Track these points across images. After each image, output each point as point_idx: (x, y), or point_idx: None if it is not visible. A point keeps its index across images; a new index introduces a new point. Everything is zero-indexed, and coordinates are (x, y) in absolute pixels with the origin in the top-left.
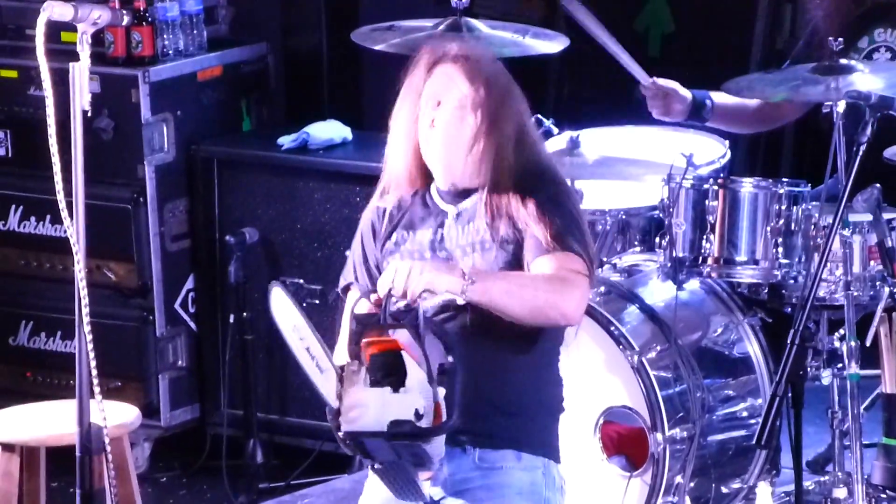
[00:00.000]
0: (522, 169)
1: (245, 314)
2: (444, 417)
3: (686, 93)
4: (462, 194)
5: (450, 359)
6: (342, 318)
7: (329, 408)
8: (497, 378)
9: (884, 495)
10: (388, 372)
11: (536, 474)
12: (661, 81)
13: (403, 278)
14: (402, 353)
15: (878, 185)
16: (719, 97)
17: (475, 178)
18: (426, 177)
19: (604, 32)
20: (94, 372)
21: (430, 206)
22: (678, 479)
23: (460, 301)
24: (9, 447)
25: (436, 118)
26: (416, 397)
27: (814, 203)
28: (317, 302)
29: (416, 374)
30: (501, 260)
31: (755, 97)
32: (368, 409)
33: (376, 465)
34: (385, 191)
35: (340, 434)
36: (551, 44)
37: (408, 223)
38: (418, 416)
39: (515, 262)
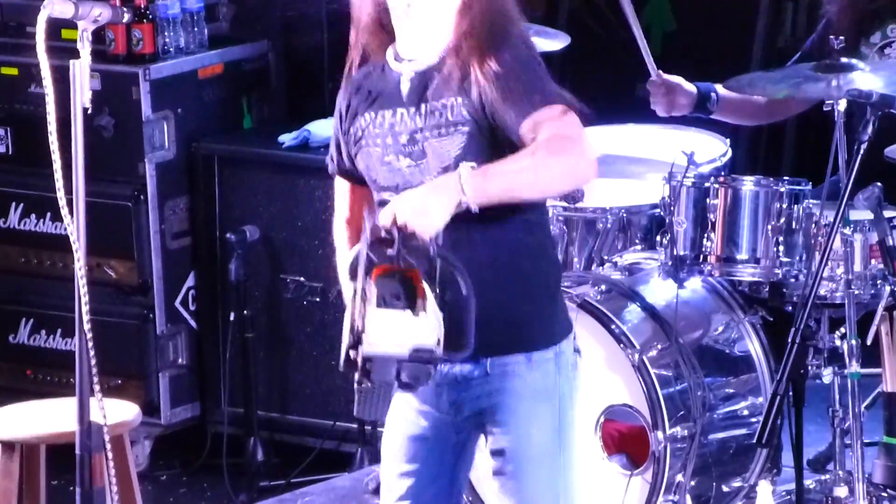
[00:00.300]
0: (489, 23)
1: (246, 312)
2: (460, 346)
3: (690, 86)
4: (421, 61)
5: (463, 290)
6: (336, 201)
7: (346, 330)
8: (494, 287)
9: (885, 494)
10: (407, 295)
11: (549, 368)
12: (667, 76)
13: (400, 220)
14: (415, 278)
15: (879, 183)
16: (725, 90)
17: (434, 37)
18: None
19: (635, 21)
20: (95, 370)
21: (390, 74)
22: (679, 477)
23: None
24: (9, 445)
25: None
26: (435, 322)
27: (815, 201)
28: (317, 300)
29: (432, 298)
30: (457, 146)
31: (756, 94)
32: (390, 332)
33: (365, 384)
34: (350, 66)
35: (357, 356)
36: (553, 42)
37: (369, 103)
38: (438, 342)
39: (472, 145)
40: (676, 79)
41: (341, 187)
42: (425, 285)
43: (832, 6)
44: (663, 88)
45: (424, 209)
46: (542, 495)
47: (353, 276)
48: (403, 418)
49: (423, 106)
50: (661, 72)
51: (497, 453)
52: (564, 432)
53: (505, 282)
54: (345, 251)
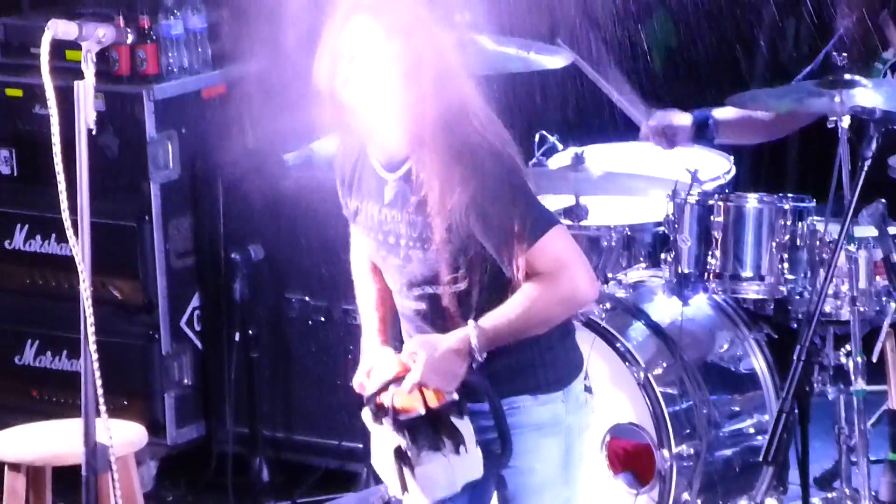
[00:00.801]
0: (450, 141)
1: (250, 331)
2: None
3: (685, 119)
4: (398, 163)
5: (493, 405)
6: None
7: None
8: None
9: None
10: (448, 435)
11: (556, 406)
12: (655, 119)
13: (426, 386)
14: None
15: (882, 200)
16: (722, 112)
17: (403, 144)
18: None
19: (607, 81)
20: (100, 391)
21: (373, 170)
22: (685, 495)
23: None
24: (15, 466)
25: (349, 76)
26: (477, 454)
27: (819, 218)
28: (322, 319)
29: (467, 429)
30: (440, 260)
31: (759, 109)
32: (438, 479)
33: None
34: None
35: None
36: (555, 59)
37: (359, 189)
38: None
39: (456, 259)
40: (669, 115)
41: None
42: (456, 419)
43: (845, 21)
44: (658, 130)
45: (445, 376)
46: None
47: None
48: None
49: (406, 216)
50: (651, 111)
51: (501, 485)
52: (570, 467)
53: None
54: (361, 286)
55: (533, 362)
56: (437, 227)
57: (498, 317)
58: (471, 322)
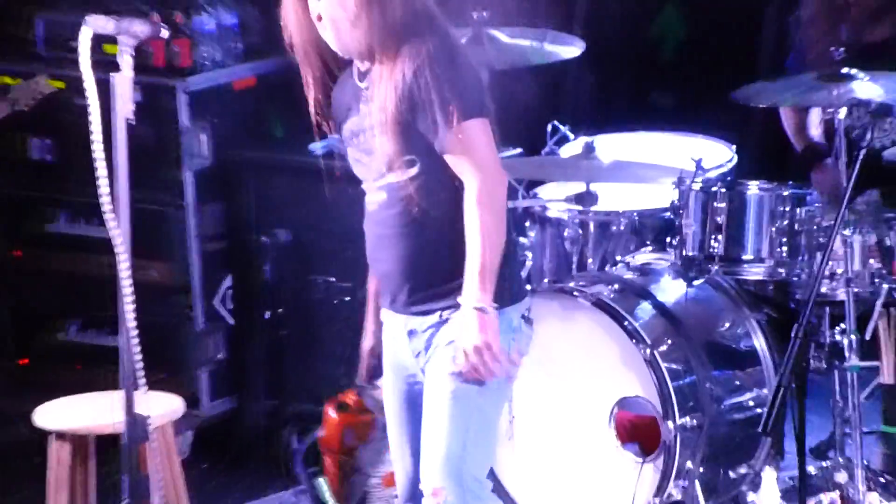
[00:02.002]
0: (404, 26)
1: (279, 310)
2: None
3: None
4: (365, 72)
5: None
6: None
7: None
8: (432, 256)
9: (882, 480)
10: None
11: None
12: None
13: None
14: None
15: (877, 188)
16: None
17: (369, 49)
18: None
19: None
20: (139, 365)
21: (354, 87)
22: (689, 464)
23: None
24: (60, 436)
25: (318, 8)
26: None
27: (817, 204)
28: (347, 299)
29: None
30: (391, 147)
31: (762, 103)
32: None
33: None
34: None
35: None
36: (569, 48)
37: (349, 109)
38: None
39: (407, 139)
40: None
41: None
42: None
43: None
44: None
45: (484, 347)
46: (454, 425)
47: None
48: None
49: (371, 108)
50: None
51: (426, 384)
52: (490, 382)
53: (446, 255)
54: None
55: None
56: (389, 102)
57: (473, 273)
58: (463, 303)
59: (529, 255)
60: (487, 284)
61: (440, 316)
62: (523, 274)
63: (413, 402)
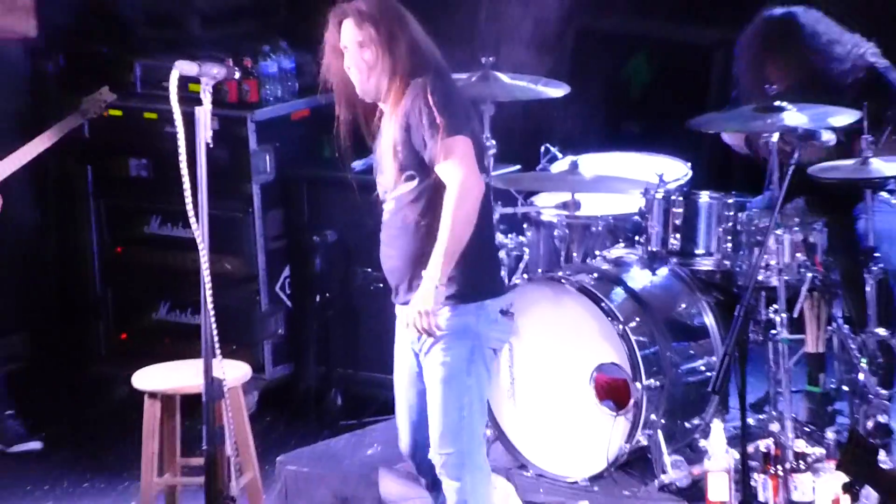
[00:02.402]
0: (413, 70)
1: (327, 295)
2: None
3: None
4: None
5: None
6: None
7: None
8: (423, 260)
9: (807, 429)
10: None
11: (468, 318)
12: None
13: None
14: None
15: (803, 196)
16: None
17: (391, 89)
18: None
19: None
20: (216, 338)
21: (380, 120)
22: (653, 417)
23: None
24: (153, 395)
25: (347, 62)
26: None
27: (754, 209)
28: (381, 286)
29: None
30: (395, 166)
31: (711, 130)
32: None
33: None
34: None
35: None
36: (557, 90)
37: (376, 134)
38: None
39: (408, 159)
40: None
41: None
42: None
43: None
44: None
45: (425, 313)
46: (448, 403)
47: None
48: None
49: (386, 134)
50: None
51: (425, 370)
52: (475, 364)
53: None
54: None
55: (452, 280)
56: (395, 130)
57: (437, 258)
58: (424, 276)
59: (527, 250)
60: (445, 267)
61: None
62: (520, 266)
63: (413, 380)
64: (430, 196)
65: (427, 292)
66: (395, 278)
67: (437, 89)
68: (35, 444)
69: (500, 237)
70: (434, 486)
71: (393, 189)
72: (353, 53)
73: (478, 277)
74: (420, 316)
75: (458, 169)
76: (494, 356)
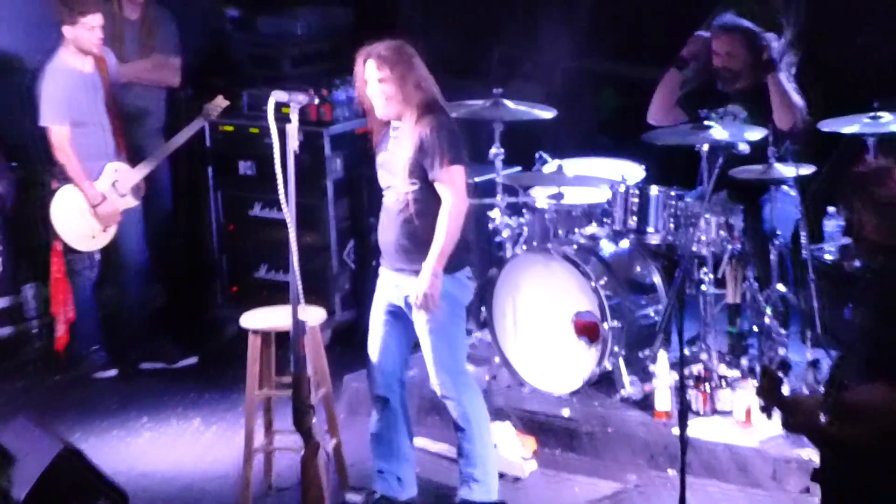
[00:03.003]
0: (421, 102)
1: (378, 260)
2: None
3: None
4: (398, 126)
5: None
6: None
7: None
8: (416, 241)
9: (727, 358)
10: None
11: (447, 283)
12: None
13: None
14: None
15: (725, 190)
16: None
17: (403, 116)
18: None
19: None
20: (301, 291)
21: (387, 133)
22: (616, 348)
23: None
24: (255, 332)
25: (370, 91)
26: None
27: (690, 199)
28: None
29: None
30: (404, 172)
31: (658, 142)
32: None
33: None
34: (375, 131)
35: None
36: (548, 112)
37: (383, 144)
38: None
39: (416, 170)
40: None
41: None
42: None
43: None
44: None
45: (430, 294)
46: (439, 346)
47: None
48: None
49: (397, 146)
50: None
51: (416, 323)
52: (454, 316)
53: (424, 241)
54: None
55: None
56: (408, 153)
57: (434, 250)
58: (425, 267)
59: (525, 229)
60: (442, 260)
61: (413, 278)
62: (521, 240)
63: (392, 324)
64: (425, 196)
65: (430, 278)
66: (388, 251)
67: (444, 127)
68: (191, 360)
69: (505, 219)
70: (385, 404)
71: (400, 186)
72: (374, 86)
73: (452, 258)
74: (426, 297)
75: (455, 191)
76: (464, 307)
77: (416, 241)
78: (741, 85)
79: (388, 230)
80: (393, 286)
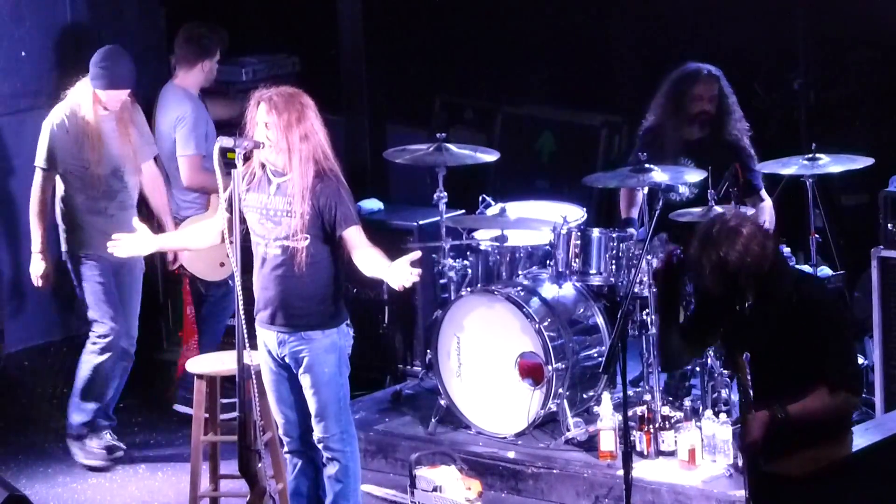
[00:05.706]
0: (315, 162)
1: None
2: None
3: None
4: (281, 174)
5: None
6: None
7: None
8: (304, 296)
9: (670, 399)
10: None
11: (334, 336)
12: None
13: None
14: None
15: (665, 233)
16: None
17: (286, 166)
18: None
19: None
20: (246, 336)
21: (266, 178)
22: (560, 390)
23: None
24: (200, 377)
25: (257, 137)
26: None
27: (630, 241)
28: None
29: None
30: (297, 225)
31: (599, 185)
32: None
33: None
34: (251, 171)
35: None
36: (490, 156)
37: (256, 186)
38: None
39: (312, 226)
40: None
41: None
42: None
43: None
44: None
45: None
46: (330, 398)
47: None
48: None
49: (283, 200)
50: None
51: (305, 379)
52: (342, 368)
53: (311, 296)
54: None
55: (321, 312)
56: (301, 208)
57: (382, 263)
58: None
59: (470, 270)
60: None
61: (301, 334)
62: (465, 282)
63: (280, 382)
64: (318, 249)
65: (401, 265)
66: (272, 308)
67: (342, 190)
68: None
69: (450, 261)
70: (301, 457)
71: (285, 239)
72: (261, 130)
73: (336, 310)
74: (411, 273)
75: (363, 242)
76: (347, 359)
77: (304, 296)
78: (705, 133)
79: (270, 284)
80: (275, 344)
